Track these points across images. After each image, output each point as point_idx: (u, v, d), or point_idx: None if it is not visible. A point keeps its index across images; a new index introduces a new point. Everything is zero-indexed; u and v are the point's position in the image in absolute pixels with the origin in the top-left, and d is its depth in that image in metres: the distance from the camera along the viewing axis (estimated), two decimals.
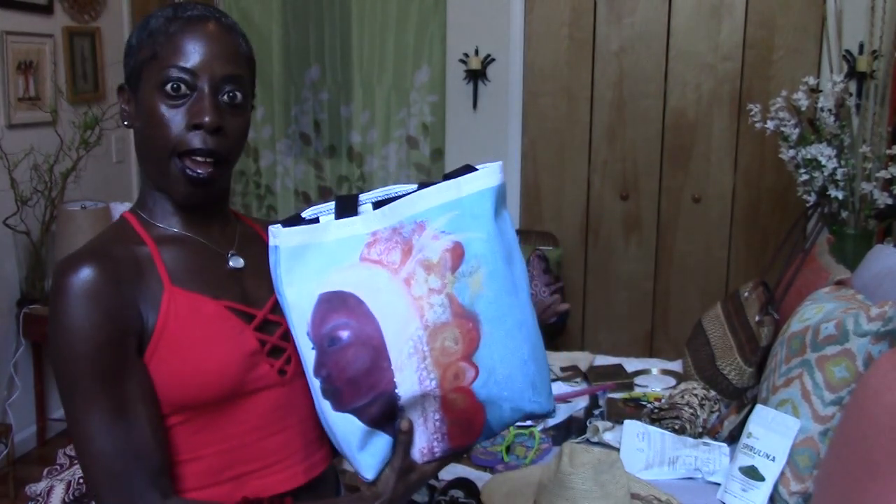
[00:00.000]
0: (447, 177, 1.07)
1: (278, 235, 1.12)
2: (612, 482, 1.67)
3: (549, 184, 3.93)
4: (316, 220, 1.12)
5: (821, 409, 1.80)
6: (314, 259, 1.09)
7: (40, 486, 1.83)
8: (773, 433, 1.85)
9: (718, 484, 1.95)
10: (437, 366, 1.04)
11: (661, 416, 2.14)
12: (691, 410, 2.13)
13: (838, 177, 2.80)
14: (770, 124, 2.92)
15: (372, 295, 1.06)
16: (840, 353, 1.80)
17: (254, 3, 4.14)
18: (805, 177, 2.87)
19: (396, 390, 1.06)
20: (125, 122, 1.14)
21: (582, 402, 2.32)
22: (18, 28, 3.33)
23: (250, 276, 1.18)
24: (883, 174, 2.78)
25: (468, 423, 1.07)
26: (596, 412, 2.27)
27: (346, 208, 1.10)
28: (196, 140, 1.09)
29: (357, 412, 1.08)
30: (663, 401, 2.21)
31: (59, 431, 3.59)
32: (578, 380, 2.56)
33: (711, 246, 3.81)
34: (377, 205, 1.10)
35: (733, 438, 2.07)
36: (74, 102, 3.64)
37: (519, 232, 3.81)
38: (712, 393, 2.23)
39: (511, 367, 1.04)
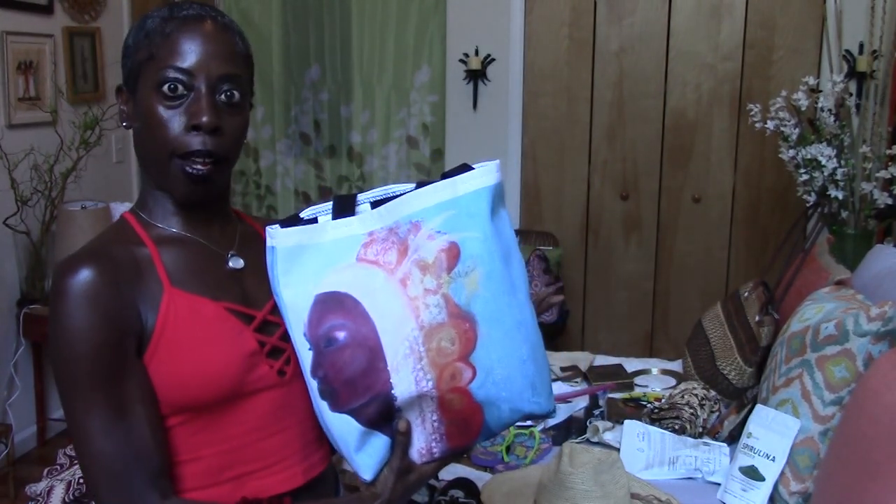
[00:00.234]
0: (445, 176, 1.07)
1: (275, 236, 1.12)
2: (612, 482, 1.67)
3: (549, 184, 3.93)
4: (314, 221, 1.11)
5: (821, 409, 1.80)
6: (311, 260, 1.09)
7: (40, 486, 1.83)
8: (773, 433, 1.85)
9: (718, 484, 1.95)
10: (433, 366, 1.03)
11: (661, 416, 2.14)
12: (691, 410, 2.13)
13: (838, 177, 2.80)
14: (770, 124, 2.92)
15: (368, 295, 1.06)
16: (840, 353, 1.80)
17: (254, 3, 4.14)
18: (805, 177, 2.87)
19: (393, 391, 1.06)
20: (124, 123, 1.14)
21: (582, 402, 2.32)
22: (18, 28, 3.33)
23: (250, 276, 1.18)
24: (883, 174, 2.78)
25: (466, 424, 1.07)
26: (596, 412, 2.27)
27: (344, 208, 1.10)
28: (195, 141, 1.08)
29: (354, 413, 1.08)
30: (663, 401, 2.21)
31: (59, 431, 3.59)
32: (578, 380, 2.56)
33: (711, 246, 3.81)
34: (375, 204, 1.09)
35: (733, 438, 2.07)
36: (74, 102, 3.64)
37: (519, 232, 3.82)
38: (712, 393, 2.23)
39: (509, 367, 1.03)
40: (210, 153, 1.09)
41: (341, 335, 1.06)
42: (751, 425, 1.91)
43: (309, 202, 4.25)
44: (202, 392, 1.07)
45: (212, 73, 1.09)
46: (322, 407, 1.10)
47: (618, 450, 2.03)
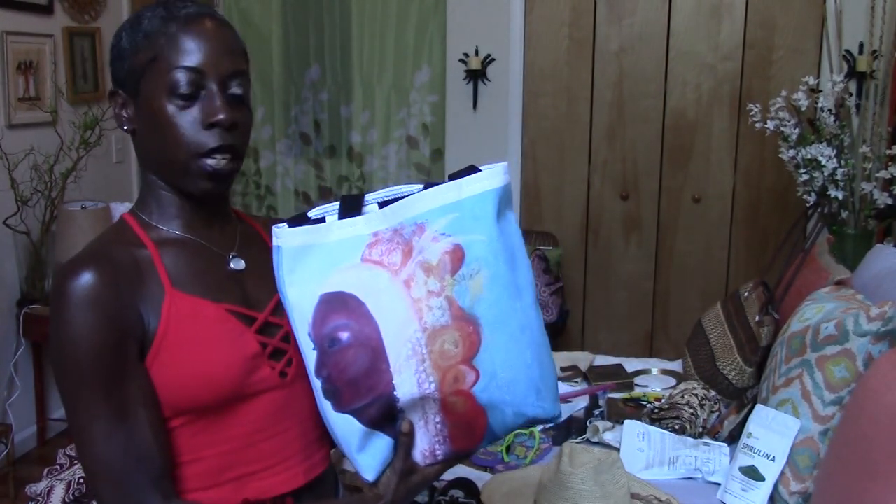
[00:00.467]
0: (452, 177, 1.06)
1: (281, 236, 1.12)
2: (612, 482, 1.67)
3: (549, 184, 3.93)
4: (322, 220, 1.11)
5: (821, 409, 1.80)
6: (316, 259, 1.09)
7: (40, 486, 1.83)
8: (773, 433, 1.85)
9: (718, 484, 1.95)
10: (436, 368, 1.03)
11: (661, 416, 2.14)
12: (691, 410, 2.13)
13: (838, 177, 2.80)
14: (770, 124, 2.92)
15: (372, 296, 1.06)
16: (840, 353, 1.80)
17: (254, 3, 4.14)
18: (805, 177, 2.87)
19: (395, 392, 1.05)
20: (124, 128, 1.13)
21: (582, 402, 2.32)
22: (18, 28, 3.33)
23: (251, 277, 1.18)
24: (883, 174, 2.78)
25: (469, 427, 1.06)
26: (596, 412, 2.27)
27: (351, 208, 1.10)
28: (214, 139, 1.09)
29: (356, 413, 1.08)
30: (663, 401, 2.21)
31: (59, 431, 3.59)
32: (578, 380, 2.56)
33: (711, 246, 3.81)
34: (382, 205, 1.09)
35: (733, 438, 2.07)
36: (74, 102, 3.64)
37: None
38: (712, 393, 2.23)
39: (513, 371, 1.02)
40: (230, 147, 1.10)
41: (345, 335, 1.06)
42: (751, 425, 1.91)
43: (309, 202, 4.26)
44: (204, 394, 1.07)
45: (220, 71, 1.10)
46: (326, 407, 1.10)
47: (618, 450, 2.03)
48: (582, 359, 2.73)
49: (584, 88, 3.83)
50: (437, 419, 1.06)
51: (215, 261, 1.16)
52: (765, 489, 1.83)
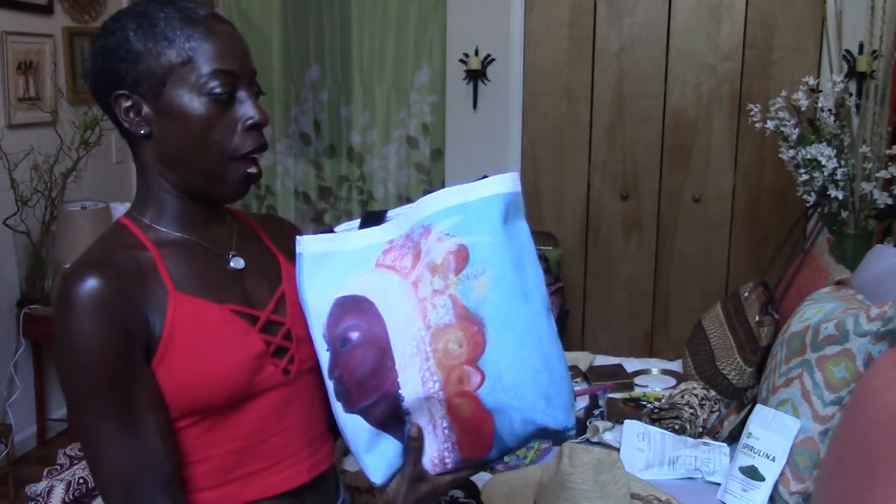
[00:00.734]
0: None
1: (304, 244, 1.15)
2: (612, 482, 1.67)
3: (549, 184, 3.93)
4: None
5: (821, 409, 1.80)
6: (334, 265, 1.12)
7: (40, 487, 1.83)
8: (773, 433, 1.85)
9: (718, 484, 1.95)
10: (440, 368, 1.03)
11: (661, 416, 2.14)
12: (691, 410, 2.13)
13: (838, 177, 2.80)
14: (770, 124, 2.92)
15: (382, 298, 1.07)
16: (840, 353, 1.80)
17: (254, 3, 4.14)
18: (805, 177, 2.87)
19: (400, 391, 1.05)
20: (140, 132, 1.10)
21: (582, 402, 2.33)
22: (18, 28, 3.33)
23: (251, 275, 1.18)
24: (883, 174, 2.78)
25: (477, 432, 1.05)
26: (596, 412, 2.28)
27: (372, 220, 1.13)
28: (251, 141, 1.11)
29: (364, 412, 1.08)
30: (663, 401, 2.21)
31: (60, 431, 3.59)
32: (578, 380, 2.56)
33: (711, 246, 3.81)
34: None
35: (733, 438, 2.07)
36: (74, 102, 3.64)
37: None
38: (712, 393, 2.23)
39: (520, 375, 1.01)
40: (264, 147, 1.13)
41: (355, 335, 1.07)
42: (751, 425, 1.91)
43: (309, 202, 4.26)
44: (211, 395, 1.07)
45: (247, 72, 1.11)
46: (337, 408, 1.11)
47: (618, 450, 2.03)
48: (582, 359, 2.73)
49: (584, 88, 3.83)
50: (445, 424, 1.06)
51: (215, 261, 1.16)
52: (765, 489, 1.83)
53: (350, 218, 4.20)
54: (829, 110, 2.86)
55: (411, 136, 4.06)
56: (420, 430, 1.07)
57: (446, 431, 1.06)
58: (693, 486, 1.97)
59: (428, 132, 4.03)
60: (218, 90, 1.08)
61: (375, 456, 1.10)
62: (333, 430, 1.27)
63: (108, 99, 1.11)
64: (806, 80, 2.96)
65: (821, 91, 2.95)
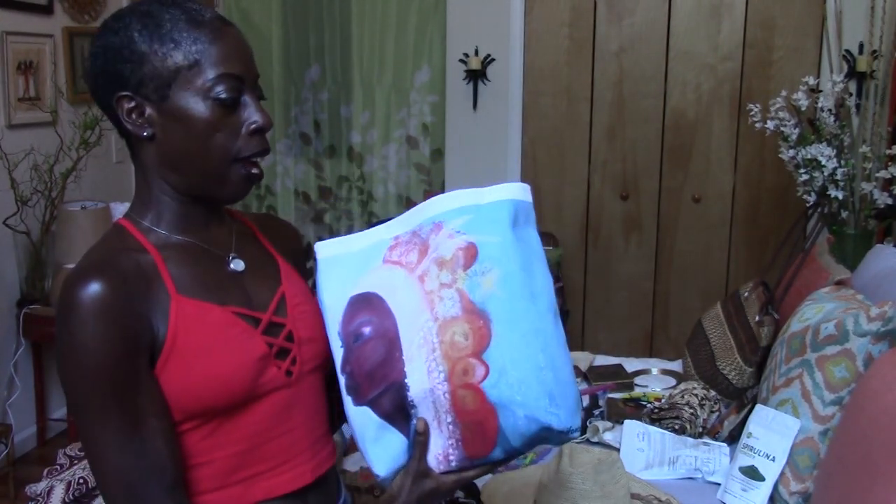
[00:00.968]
0: None
1: (319, 249, 1.18)
2: (612, 482, 1.67)
3: (549, 184, 3.93)
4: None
5: (821, 409, 1.80)
6: (346, 266, 1.15)
7: (40, 487, 1.83)
8: (773, 433, 1.85)
9: (718, 484, 1.95)
10: (446, 359, 1.04)
11: (661, 416, 2.14)
12: (691, 410, 2.13)
13: (838, 177, 2.80)
14: (770, 124, 2.92)
15: (391, 293, 1.10)
16: (840, 353, 1.80)
17: (254, 3, 4.14)
18: (805, 177, 2.87)
19: (406, 380, 1.07)
20: (143, 134, 1.09)
21: (582, 402, 2.33)
22: (18, 28, 3.33)
23: (251, 277, 1.18)
24: (883, 174, 2.78)
25: (481, 428, 1.05)
26: (596, 412, 2.28)
27: (380, 223, 1.18)
28: (254, 144, 1.11)
29: (372, 404, 1.10)
30: (663, 401, 2.21)
31: (60, 431, 3.59)
32: (579, 380, 2.56)
33: (711, 246, 3.81)
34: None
35: (733, 438, 2.07)
36: (74, 102, 3.64)
37: None
38: (712, 393, 2.23)
39: (524, 371, 1.02)
40: (267, 150, 1.13)
41: (367, 330, 1.10)
42: (751, 425, 1.92)
43: (309, 202, 4.26)
44: (215, 398, 1.07)
45: (252, 76, 1.12)
46: (347, 402, 1.12)
47: (618, 450, 2.03)
48: (582, 359, 2.73)
49: (584, 88, 3.83)
50: (449, 419, 1.06)
51: (216, 263, 1.16)
52: (765, 489, 1.83)
53: (350, 218, 4.20)
54: (829, 110, 2.86)
55: (411, 136, 4.06)
56: (426, 425, 1.07)
57: (451, 427, 1.07)
58: (693, 486, 1.97)
59: (428, 132, 4.03)
60: (224, 95, 1.07)
61: (380, 448, 1.11)
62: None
63: (109, 100, 1.10)
64: (806, 80, 2.96)
65: (821, 91, 2.95)
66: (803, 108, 2.91)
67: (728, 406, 2.24)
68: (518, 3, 3.78)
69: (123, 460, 1.02)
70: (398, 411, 1.09)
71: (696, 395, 2.18)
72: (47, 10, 3.50)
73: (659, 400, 2.27)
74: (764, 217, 3.73)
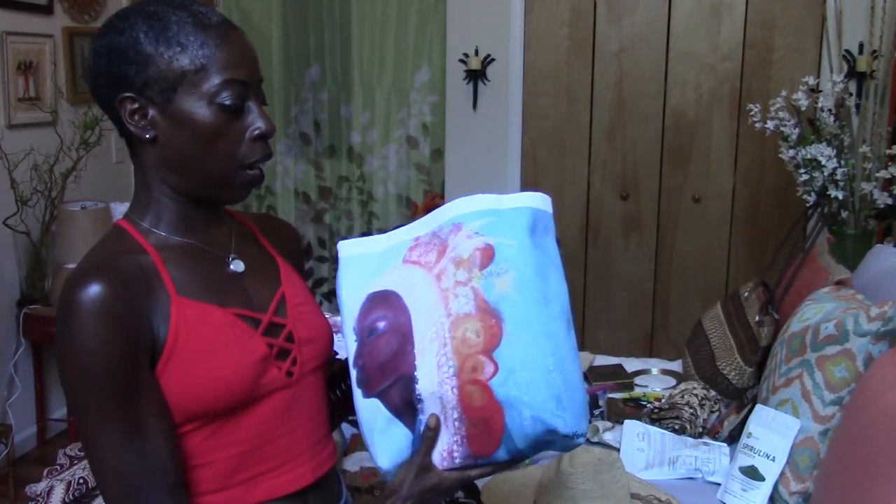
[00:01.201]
0: None
1: (343, 248, 1.20)
2: (612, 482, 1.67)
3: (549, 184, 3.93)
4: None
5: (821, 409, 1.80)
6: (367, 266, 1.17)
7: (40, 487, 1.83)
8: (773, 433, 1.85)
9: (718, 484, 1.95)
10: (456, 354, 1.05)
11: (661, 416, 2.14)
12: (691, 410, 2.13)
13: (838, 177, 2.80)
14: (770, 124, 2.92)
15: (408, 290, 1.11)
16: (840, 353, 1.80)
17: (254, 3, 4.14)
18: (805, 177, 2.87)
19: (416, 373, 1.08)
20: (146, 136, 1.09)
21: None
22: (18, 28, 3.33)
23: (251, 278, 1.18)
24: (883, 174, 2.78)
25: (486, 425, 1.06)
26: (596, 412, 2.28)
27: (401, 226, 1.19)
28: (258, 150, 1.11)
29: (381, 396, 1.11)
30: (663, 401, 2.21)
31: (60, 431, 3.59)
32: None
33: (711, 246, 3.81)
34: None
35: (733, 438, 2.07)
36: (74, 102, 3.64)
37: None
38: (712, 393, 2.23)
39: (533, 372, 1.03)
40: (270, 156, 1.14)
41: (381, 324, 1.11)
42: (751, 425, 1.91)
43: (309, 202, 4.26)
44: (215, 400, 1.07)
45: (256, 81, 1.12)
46: (357, 395, 1.13)
47: (618, 450, 2.03)
48: (582, 359, 2.73)
49: (584, 88, 3.83)
50: (455, 415, 1.07)
51: (215, 264, 1.16)
52: (765, 489, 1.83)
53: (350, 218, 4.21)
54: (829, 110, 2.86)
55: (411, 136, 4.06)
56: (438, 422, 1.07)
57: (456, 423, 1.07)
58: (693, 486, 1.97)
59: (428, 132, 4.03)
60: (228, 101, 1.07)
61: (385, 440, 1.12)
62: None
63: (112, 100, 1.09)
64: (806, 80, 2.96)
65: (821, 91, 2.95)
66: (803, 108, 2.91)
67: (728, 406, 2.24)
68: (518, 3, 3.78)
69: (124, 461, 1.01)
70: (406, 407, 1.09)
71: (696, 395, 2.18)
72: (47, 10, 3.50)
73: (659, 400, 2.27)
74: (764, 217, 3.73)
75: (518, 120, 3.88)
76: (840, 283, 2.20)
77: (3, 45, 3.25)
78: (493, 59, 3.83)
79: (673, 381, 2.54)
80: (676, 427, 2.10)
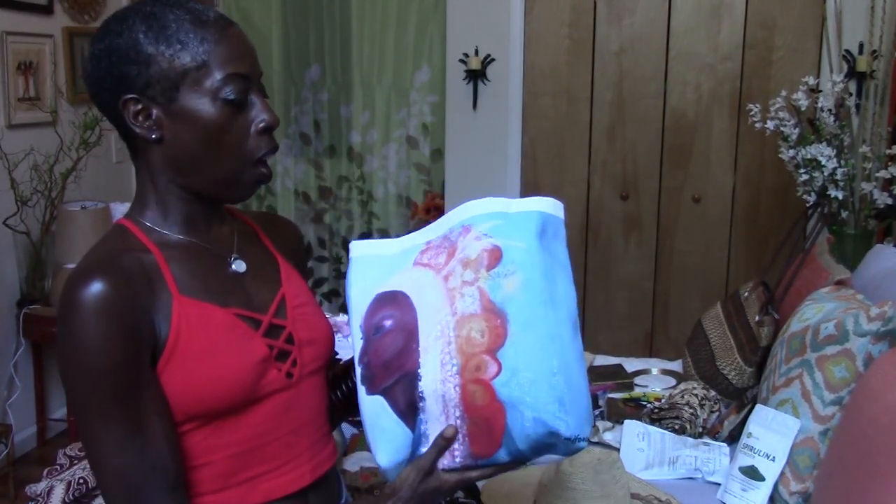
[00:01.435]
0: None
1: (354, 248, 1.21)
2: (612, 482, 1.67)
3: (549, 184, 3.93)
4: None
5: (821, 409, 1.80)
6: (378, 266, 1.17)
7: (40, 487, 1.83)
8: (773, 433, 1.85)
9: (718, 484, 1.95)
10: (460, 353, 1.06)
11: (661, 416, 2.14)
12: (691, 410, 2.13)
13: (838, 177, 2.80)
14: (770, 124, 2.92)
15: (416, 290, 1.12)
16: (840, 352, 1.80)
17: (254, 3, 4.14)
18: (805, 177, 2.87)
19: (419, 370, 1.08)
20: (151, 136, 1.09)
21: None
22: (18, 28, 3.33)
23: (252, 278, 1.18)
24: (883, 174, 2.78)
25: (488, 425, 1.06)
26: (596, 412, 2.27)
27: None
28: (264, 143, 1.11)
29: (385, 393, 1.10)
30: (663, 401, 2.21)
31: (60, 431, 3.59)
32: None
33: (711, 246, 3.81)
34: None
35: (733, 438, 2.07)
36: (74, 102, 3.64)
37: None
38: (712, 393, 2.23)
39: (536, 373, 1.03)
40: (276, 149, 1.14)
41: (388, 323, 1.11)
42: (751, 425, 1.92)
43: (309, 202, 4.26)
44: (215, 400, 1.07)
45: (257, 74, 1.12)
46: (361, 392, 1.13)
47: (618, 450, 2.03)
48: None
49: (584, 88, 3.83)
50: (457, 413, 1.07)
51: (217, 263, 1.15)
52: (765, 489, 1.83)
53: (350, 218, 4.21)
54: (829, 110, 2.86)
55: (411, 136, 4.06)
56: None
57: (458, 422, 1.07)
58: (693, 486, 1.97)
59: (428, 132, 4.03)
60: (232, 96, 1.07)
61: (385, 439, 1.11)
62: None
63: (114, 102, 1.09)
64: (806, 80, 2.96)
65: (821, 91, 2.95)
66: (803, 108, 2.91)
67: (728, 406, 2.24)
68: (518, 3, 3.78)
69: (125, 460, 1.01)
70: (409, 407, 1.09)
71: (696, 395, 2.18)
72: (47, 10, 3.50)
73: (659, 400, 2.27)
74: (764, 217, 3.73)
75: (518, 120, 3.88)
76: (840, 283, 2.20)
77: (3, 45, 3.25)
78: (493, 59, 3.83)
79: (673, 381, 2.54)
80: (676, 427, 2.10)
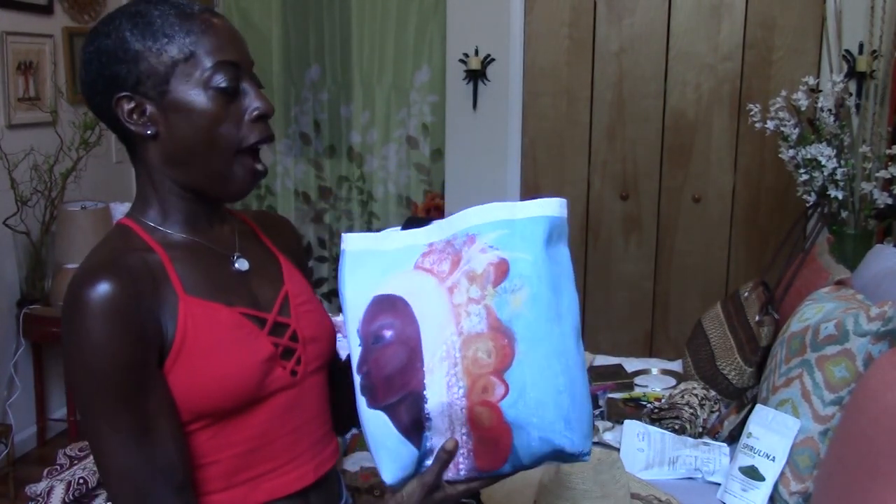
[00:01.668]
0: None
1: (348, 241, 1.16)
2: (612, 482, 1.67)
3: (549, 184, 3.93)
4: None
5: (821, 409, 1.80)
6: (374, 264, 1.13)
7: (40, 487, 1.83)
8: (773, 433, 1.85)
9: (718, 484, 1.95)
10: (467, 375, 1.04)
11: (661, 416, 2.14)
12: (691, 410, 2.13)
13: (838, 177, 2.80)
14: (770, 124, 2.92)
15: (418, 299, 1.08)
16: (840, 353, 1.80)
17: (254, 3, 4.14)
18: (805, 177, 2.87)
19: (424, 392, 1.06)
20: (147, 132, 1.09)
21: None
22: (18, 28, 3.33)
23: (255, 277, 1.18)
24: (883, 174, 2.78)
25: (494, 443, 1.05)
26: (596, 412, 2.28)
27: (414, 224, 1.15)
28: (258, 131, 1.11)
29: (388, 410, 1.08)
30: (663, 401, 2.21)
31: (60, 431, 3.59)
32: None
33: (711, 246, 3.81)
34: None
35: (733, 438, 2.07)
36: (74, 102, 3.64)
37: None
38: (712, 393, 2.23)
39: (543, 393, 1.02)
40: (271, 137, 1.12)
41: (388, 333, 1.08)
42: (751, 425, 1.92)
43: (309, 202, 4.26)
44: (222, 399, 1.07)
45: (247, 63, 1.12)
46: (361, 402, 1.11)
47: (618, 450, 2.03)
48: None
49: (584, 88, 3.83)
50: (464, 431, 1.06)
51: (220, 262, 1.15)
52: (765, 489, 1.83)
53: (350, 218, 4.21)
54: (829, 110, 2.86)
55: (411, 136, 4.06)
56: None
57: (464, 438, 1.06)
58: (693, 486, 1.97)
59: (428, 132, 4.03)
60: (223, 83, 1.07)
61: (391, 458, 1.10)
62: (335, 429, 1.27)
63: (108, 103, 1.09)
64: (806, 80, 2.96)
65: (821, 91, 2.95)
66: (803, 108, 2.91)
67: (728, 406, 2.24)
68: (518, 3, 3.78)
69: (132, 461, 1.01)
70: (414, 426, 1.08)
71: (696, 395, 2.18)
72: (47, 10, 3.50)
73: (659, 400, 2.27)
74: (764, 217, 3.73)
75: (518, 120, 3.88)
76: (840, 283, 2.20)
77: (3, 45, 3.25)
78: (493, 59, 3.83)
79: (673, 381, 2.54)
80: (676, 427, 2.10)
